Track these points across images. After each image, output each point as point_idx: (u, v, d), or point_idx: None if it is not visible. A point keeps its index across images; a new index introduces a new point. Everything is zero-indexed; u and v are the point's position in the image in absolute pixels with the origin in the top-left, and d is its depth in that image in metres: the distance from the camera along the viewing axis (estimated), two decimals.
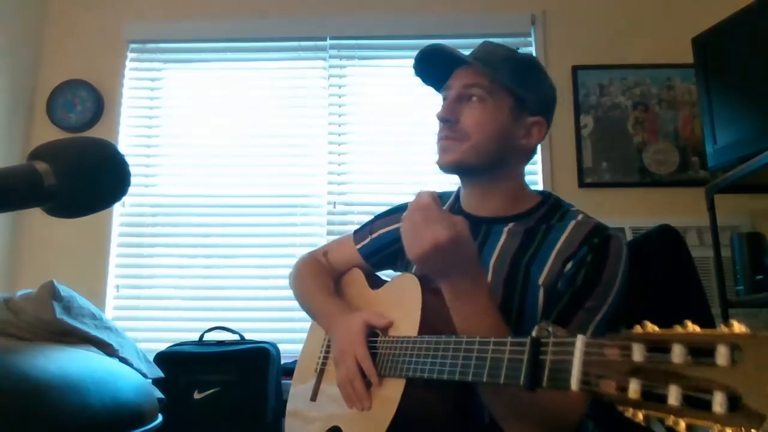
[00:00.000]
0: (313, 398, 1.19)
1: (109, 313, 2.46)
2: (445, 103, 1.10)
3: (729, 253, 2.10)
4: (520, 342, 0.71)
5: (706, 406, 0.47)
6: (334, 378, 1.06)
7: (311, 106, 2.70)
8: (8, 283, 2.47)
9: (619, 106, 2.55)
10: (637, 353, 0.53)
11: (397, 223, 1.25)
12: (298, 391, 1.28)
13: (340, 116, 2.68)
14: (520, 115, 1.07)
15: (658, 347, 0.52)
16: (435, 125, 1.11)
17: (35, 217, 2.52)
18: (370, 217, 1.35)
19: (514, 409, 0.89)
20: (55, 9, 2.78)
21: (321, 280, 1.29)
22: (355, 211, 2.57)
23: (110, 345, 1.71)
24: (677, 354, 0.50)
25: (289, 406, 1.29)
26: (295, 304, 1.34)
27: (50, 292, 1.67)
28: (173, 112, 2.73)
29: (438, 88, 1.15)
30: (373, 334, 1.04)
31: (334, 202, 2.59)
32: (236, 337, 2.25)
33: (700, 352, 0.49)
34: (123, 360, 1.72)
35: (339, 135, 2.66)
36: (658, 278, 1.27)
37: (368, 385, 1.00)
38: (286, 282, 1.40)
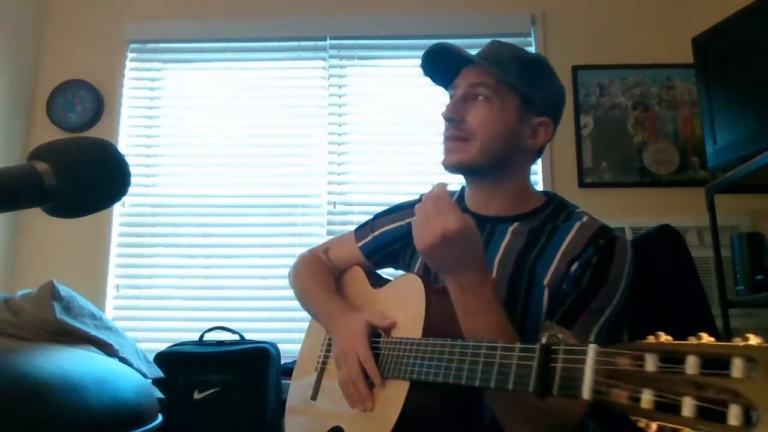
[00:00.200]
0: (314, 397, 1.19)
1: (109, 313, 2.45)
2: (450, 103, 1.10)
3: (729, 253, 2.10)
4: (529, 348, 0.70)
5: (721, 418, 0.46)
6: (335, 377, 1.06)
7: (311, 106, 2.69)
8: (8, 283, 2.47)
9: (619, 106, 2.55)
10: (650, 363, 0.53)
11: (399, 221, 1.25)
12: (297, 390, 1.27)
13: (340, 116, 2.68)
14: (526, 115, 1.07)
15: (671, 358, 0.51)
16: (435, 125, 1.11)
17: (35, 217, 2.52)
18: (370, 217, 1.34)
19: (519, 413, 0.89)
20: (55, 9, 2.78)
21: (321, 278, 1.28)
22: (355, 211, 2.57)
23: (110, 345, 1.71)
24: (691, 365, 0.49)
25: (289, 404, 1.28)
26: (296, 303, 1.33)
27: (50, 292, 1.67)
28: (173, 112, 2.73)
29: (446, 87, 1.15)
30: (374, 334, 1.04)
31: (334, 202, 2.59)
32: (236, 337, 2.25)
33: (715, 363, 0.48)
34: (123, 360, 1.72)
35: (339, 135, 2.66)
36: (658, 278, 1.27)
37: (370, 385, 0.99)
38: (286, 282, 1.39)
